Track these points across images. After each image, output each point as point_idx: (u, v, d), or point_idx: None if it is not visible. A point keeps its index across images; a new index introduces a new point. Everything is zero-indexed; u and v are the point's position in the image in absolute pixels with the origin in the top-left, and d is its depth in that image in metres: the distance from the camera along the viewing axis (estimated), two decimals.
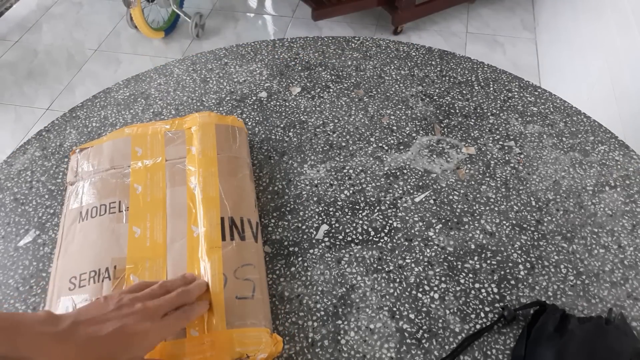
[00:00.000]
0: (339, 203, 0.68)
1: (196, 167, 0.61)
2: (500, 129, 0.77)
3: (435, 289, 0.59)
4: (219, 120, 0.68)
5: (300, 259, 0.62)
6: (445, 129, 0.77)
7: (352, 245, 0.63)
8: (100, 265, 0.55)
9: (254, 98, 0.84)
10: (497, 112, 0.80)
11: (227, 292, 0.51)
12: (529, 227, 0.65)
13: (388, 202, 0.68)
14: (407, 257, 0.62)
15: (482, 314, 0.57)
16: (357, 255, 0.62)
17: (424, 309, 0.57)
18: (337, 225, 0.65)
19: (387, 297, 0.58)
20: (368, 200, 0.68)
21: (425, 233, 0.64)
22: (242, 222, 0.57)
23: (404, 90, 0.84)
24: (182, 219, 0.57)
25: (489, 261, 0.61)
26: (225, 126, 0.67)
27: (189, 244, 0.55)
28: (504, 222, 0.65)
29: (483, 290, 0.59)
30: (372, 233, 0.64)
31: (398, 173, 0.71)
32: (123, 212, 0.59)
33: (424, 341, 0.55)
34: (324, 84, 0.86)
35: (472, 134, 0.77)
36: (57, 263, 0.57)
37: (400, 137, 0.76)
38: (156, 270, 0.54)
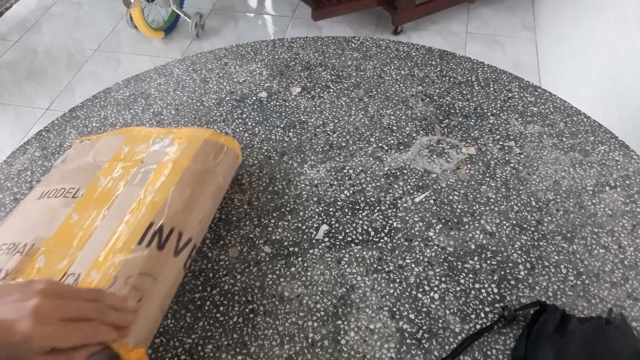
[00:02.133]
0: (339, 203, 0.68)
1: (162, 172, 0.60)
2: (501, 129, 0.77)
3: (435, 289, 0.59)
4: (212, 136, 0.65)
5: (300, 259, 0.62)
6: (445, 129, 0.77)
7: (352, 245, 0.63)
8: (22, 239, 0.54)
9: (254, 98, 0.84)
10: (497, 112, 0.80)
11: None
12: (529, 227, 0.65)
13: (388, 202, 0.68)
14: (407, 258, 0.62)
15: (482, 314, 0.57)
16: (357, 255, 0.62)
17: (424, 309, 0.57)
18: (337, 225, 0.65)
19: (387, 297, 0.58)
20: (368, 200, 0.68)
21: (425, 233, 0.64)
22: (170, 233, 0.53)
23: (404, 90, 0.84)
24: (119, 217, 0.55)
25: (489, 261, 0.61)
26: (214, 142, 0.65)
27: (108, 240, 0.53)
28: (504, 222, 0.65)
29: (483, 291, 0.59)
30: (372, 233, 0.64)
31: (398, 173, 0.71)
32: (76, 199, 0.58)
33: (424, 341, 0.55)
34: (324, 84, 0.86)
35: (472, 134, 0.76)
36: None
37: (400, 137, 0.76)
38: (66, 257, 0.52)
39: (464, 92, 0.84)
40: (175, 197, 0.57)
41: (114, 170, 0.61)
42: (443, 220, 0.66)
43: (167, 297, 0.52)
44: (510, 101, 0.82)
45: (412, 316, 0.57)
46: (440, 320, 0.56)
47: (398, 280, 0.60)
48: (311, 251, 0.63)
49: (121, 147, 0.65)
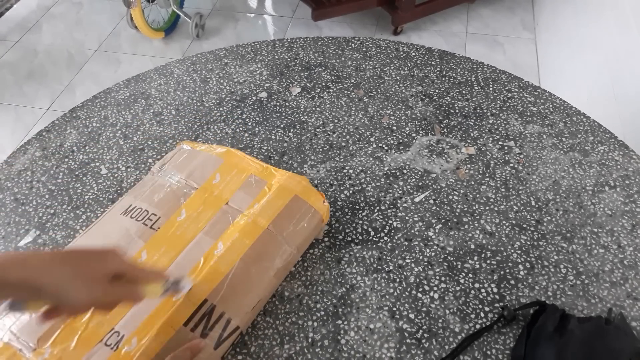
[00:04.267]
0: (339, 203, 0.68)
1: (239, 229, 0.58)
2: (500, 129, 0.77)
3: (435, 288, 0.59)
4: (304, 193, 0.62)
5: (300, 258, 0.62)
6: (445, 129, 0.77)
7: (352, 245, 0.63)
8: None
9: (254, 98, 0.84)
10: (497, 112, 0.80)
11: None
12: (528, 227, 0.65)
13: (388, 202, 0.68)
14: (407, 257, 0.62)
15: (482, 314, 0.57)
16: (357, 255, 0.62)
17: (424, 309, 0.57)
18: (337, 225, 0.65)
19: (387, 297, 0.58)
20: (368, 200, 0.68)
21: (425, 233, 0.64)
22: (219, 318, 0.52)
23: (403, 91, 0.84)
24: (183, 272, 0.55)
25: (488, 261, 0.61)
26: (302, 202, 0.61)
27: (161, 304, 0.53)
28: (504, 222, 0.65)
29: (483, 290, 0.59)
30: (372, 233, 0.64)
31: (398, 173, 0.71)
32: (152, 230, 0.58)
33: (423, 341, 0.55)
34: (324, 84, 0.86)
35: (472, 134, 0.77)
36: (79, 239, 0.60)
37: (400, 137, 0.77)
38: (115, 311, 0.50)
39: (464, 92, 0.84)
40: (236, 274, 0.55)
41: (198, 207, 0.60)
42: (443, 220, 0.66)
43: None
44: (509, 101, 0.82)
45: (412, 316, 0.57)
46: (440, 320, 0.56)
47: (398, 280, 0.60)
48: (311, 251, 0.63)
49: (214, 175, 0.63)
